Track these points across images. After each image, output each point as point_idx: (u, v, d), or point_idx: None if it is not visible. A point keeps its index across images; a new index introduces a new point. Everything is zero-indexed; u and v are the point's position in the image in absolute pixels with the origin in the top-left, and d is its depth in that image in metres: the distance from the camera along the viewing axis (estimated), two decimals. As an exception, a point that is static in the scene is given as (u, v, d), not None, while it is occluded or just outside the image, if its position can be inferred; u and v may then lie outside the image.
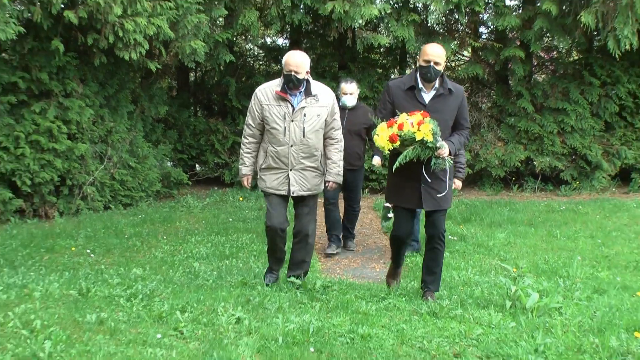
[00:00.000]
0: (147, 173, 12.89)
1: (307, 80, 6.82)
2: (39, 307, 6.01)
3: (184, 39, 11.72)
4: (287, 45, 16.32)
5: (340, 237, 9.73)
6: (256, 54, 16.74)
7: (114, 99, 12.31)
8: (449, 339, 5.46)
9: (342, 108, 8.94)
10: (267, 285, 7.03)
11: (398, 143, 6.10)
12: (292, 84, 6.70)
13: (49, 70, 11.14)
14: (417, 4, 15.43)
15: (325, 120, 6.89)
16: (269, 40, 16.67)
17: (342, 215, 9.85)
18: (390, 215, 8.38)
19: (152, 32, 10.91)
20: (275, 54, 16.33)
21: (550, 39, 16.08)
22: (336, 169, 7.05)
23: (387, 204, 8.55)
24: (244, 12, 12.85)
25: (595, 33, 14.71)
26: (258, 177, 7.11)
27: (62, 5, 10.25)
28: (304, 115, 6.75)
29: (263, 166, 7.00)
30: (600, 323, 5.77)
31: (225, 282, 7.20)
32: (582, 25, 13.53)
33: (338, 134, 7.04)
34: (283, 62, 6.84)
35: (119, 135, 12.32)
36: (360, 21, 13.49)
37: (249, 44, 16.34)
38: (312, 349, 5.12)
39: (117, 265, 8.15)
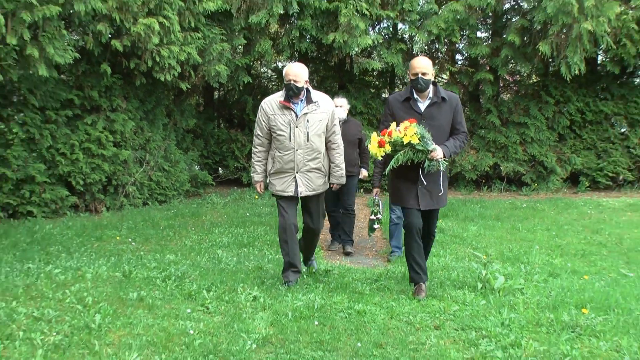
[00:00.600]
0: (179, 175, 12.85)
1: (307, 89, 6.40)
2: (90, 286, 6.01)
3: (209, 63, 11.70)
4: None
5: (340, 235, 9.20)
6: (269, 76, 16.69)
7: (152, 113, 12.29)
8: (430, 314, 5.45)
9: None
10: (288, 285, 6.36)
11: (388, 148, 5.63)
12: (292, 92, 6.24)
13: (99, 89, 11.15)
14: (404, 35, 15.43)
15: (326, 125, 6.43)
16: (280, 64, 16.61)
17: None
18: (376, 226, 8.31)
19: (183, 58, 10.92)
20: (285, 76, 16.31)
21: (514, 64, 16.04)
22: (339, 171, 6.61)
23: (372, 217, 8.28)
24: (259, 41, 12.83)
25: (551, 60, 14.69)
26: (268, 181, 6.69)
27: (110, 36, 10.24)
28: (307, 121, 6.30)
29: (272, 171, 6.54)
30: (554, 301, 5.75)
31: (243, 266, 7.18)
32: (540, 53, 13.56)
33: (338, 139, 6.57)
34: (283, 73, 6.40)
35: (156, 144, 12.30)
36: (356, 49, 13.48)
37: (264, 68, 16.30)
38: (316, 322, 5.11)
39: (153, 252, 8.12)
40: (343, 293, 5.92)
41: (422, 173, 5.86)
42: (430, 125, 5.75)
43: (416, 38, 15.20)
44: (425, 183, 5.92)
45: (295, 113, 6.31)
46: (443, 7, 14.45)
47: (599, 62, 15.87)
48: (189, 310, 5.32)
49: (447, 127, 6.00)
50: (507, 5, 14.95)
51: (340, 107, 8.78)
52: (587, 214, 12.01)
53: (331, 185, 6.72)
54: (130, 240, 9.00)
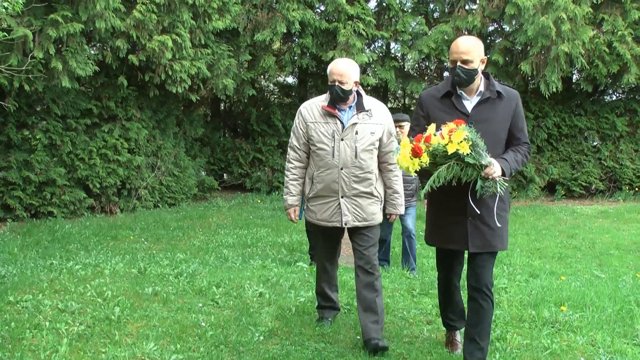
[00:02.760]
0: (187, 180, 12.87)
1: (358, 93, 4.67)
2: (109, 281, 6.03)
3: (218, 77, 11.75)
4: (296, 82, 16.33)
5: None
6: (272, 89, 16.73)
7: (163, 122, 12.32)
8: (422, 311, 5.48)
9: None
10: (325, 322, 4.97)
11: (426, 159, 3.66)
12: (337, 97, 4.52)
13: (115, 100, 11.19)
14: (397, 54, 15.49)
15: (380, 140, 4.64)
16: (281, 79, 16.65)
17: None
18: None
19: (194, 72, 10.97)
20: (286, 90, 16.35)
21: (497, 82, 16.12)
22: (398, 199, 4.84)
23: None
24: (264, 57, 12.89)
25: (530, 78, 14.75)
26: (305, 207, 4.97)
27: (127, 51, 10.28)
28: (356, 132, 4.54)
29: (310, 195, 4.75)
30: (535, 299, 5.80)
31: (249, 265, 7.20)
32: (521, 72, 13.66)
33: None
34: (327, 72, 4.67)
35: (166, 151, 12.32)
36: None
37: (267, 82, 16.34)
38: (318, 316, 5.16)
39: (165, 251, 8.15)
40: (342, 290, 5.94)
41: (473, 198, 3.84)
42: (479, 130, 3.68)
43: (408, 56, 15.30)
44: (478, 212, 3.86)
45: (342, 122, 4.59)
46: (433, 28, 14.50)
47: (574, 80, 15.97)
48: (200, 305, 5.35)
49: (502, 134, 3.96)
50: (490, 28, 15.03)
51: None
52: (563, 220, 12.07)
53: (388, 217, 4.94)
54: (143, 239, 9.03)
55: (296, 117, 4.76)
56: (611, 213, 12.85)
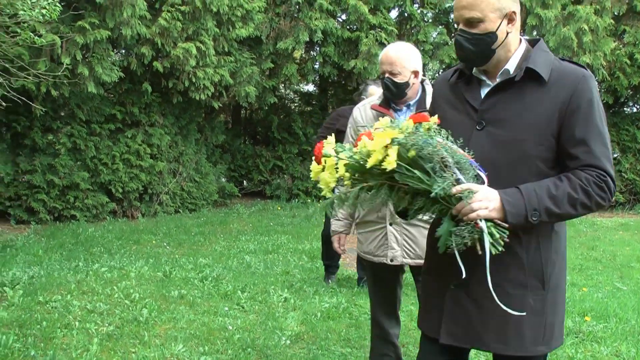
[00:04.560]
0: (208, 186, 12.96)
1: (422, 86, 3.61)
2: (135, 284, 6.13)
3: (240, 85, 11.86)
4: (317, 91, 16.43)
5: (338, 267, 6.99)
6: (293, 97, 16.83)
7: (185, 129, 12.44)
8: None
9: None
10: None
11: (344, 174, 2.17)
12: (389, 92, 3.51)
13: (139, 106, 11.33)
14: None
15: None
16: (302, 87, 16.74)
17: None
18: None
19: (216, 79, 11.09)
20: (307, 98, 16.42)
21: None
22: None
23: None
24: (286, 65, 12.98)
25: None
26: (356, 233, 3.86)
27: (151, 57, 10.42)
28: None
29: (358, 220, 3.76)
30: (558, 310, 5.83)
31: (272, 271, 7.27)
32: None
33: None
34: (379, 61, 3.64)
35: (188, 157, 12.44)
36: (375, 75, 13.62)
37: (287, 90, 16.45)
38: (343, 322, 5.22)
39: (187, 255, 8.23)
40: (366, 297, 6.00)
41: (458, 253, 2.13)
42: (490, 136, 2.27)
43: (429, 66, 15.36)
44: (463, 275, 2.15)
45: None
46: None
47: (595, 92, 15.95)
48: (226, 308, 5.44)
49: (531, 145, 2.22)
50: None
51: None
52: (583, 232, 12.04)
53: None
54: (165, 244, 9.13)
55: (349, 121, 3.87)
56: (632, 225, 12.81)
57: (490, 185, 2.14)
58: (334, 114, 6.49)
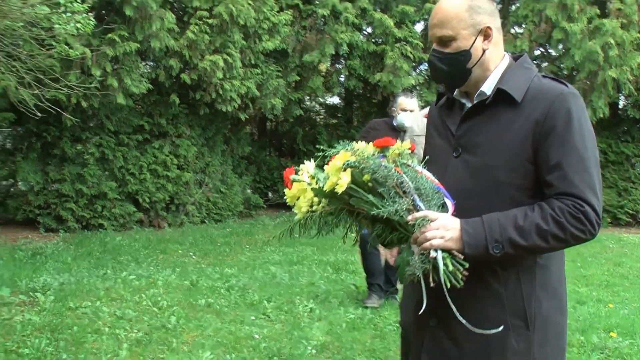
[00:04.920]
0: (233, 197, 13.08)
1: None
2: (162, 292, 6.24)
3: (266, 97, 11.99)
4: (342, 104, 16.53)
5: (382, 285, 6.39)
6: (317, 110, 16.96)
7: (212, 140, 12.59)
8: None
9: (399, 129, 5.87)
10: None
11: (311, 197, 2.10)
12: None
13: (167, 117, 11.51)
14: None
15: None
16: (328, 100, 16.85)
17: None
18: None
19: (243, 91, 11.23)
20: (332, 110, 16.53)
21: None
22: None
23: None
24: (312, 78, 13.11)
25: (579, 104, 14.72)
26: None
27: (179, 69, 10.59)
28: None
29: None
30: (583, 325, 5.82)
31: (297, 281, 7.32)
32: (568, 97, 13.64)
33: None
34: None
35: (214, 168, 12.58)
36: (400, 88, 13.70)
37: (313, 102, 16.57)
38: (368, 333, 5.27)
39: (213, 265, 8.32)
40: (390, 309, 6.05)
41: (427, 285, 1.96)
42: (464, 163, 2.12)
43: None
44: (423, 307, 2.00)
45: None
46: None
47: (620, 106, 15.86)
48: (252, 317, 5.52)
49: (503, 173, 2.02)
50: (537, 52, 15.06)
51: (410, 111, 6.00)
52: (610, 247, 11.96)
53: None
54: (191, 254, 9.23)
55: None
56: (659, 242, 12.71)
57: (462, 215, 1.99)
58: (367, 127, 6.50)
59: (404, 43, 13.34)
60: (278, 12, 11.60)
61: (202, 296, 6.15)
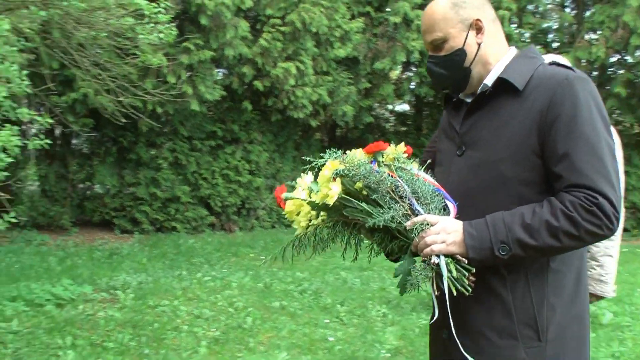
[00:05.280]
0: (302, 203, 13.23)
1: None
2: (237, 293, 6.39)
3: (337, 104, 12.09)
4: (412, 111, 16.51)
5: None
6: (387, 117, 16.97)
7: (283, 146, 12.77)
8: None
9: None
10: None
11: (308, 211, 2.02)
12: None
13: (239, 123, 11.75)
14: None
15: None
16: (398, 107, 16.85)
17: None
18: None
19: (315, 98, 11.35)
20: (402, 118, 16.52)
21: (618, 115, 15.74)
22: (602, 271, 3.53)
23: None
24: (382, 85, 13.15)
25: (655, 112, 14.36)
26: None
27: (252, 77, 10.79)
28: None
29: None
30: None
31: (368, 287, 7.39)
32: (645, 106, 13.34)
33: None
34: None
35: (285, 173, 12.75)
36: (470, 96, 13.62)
37: (382, 109, 16.59)
38: (441, 339, 5.29)
39: (285, 269, 8.45)
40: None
41: (441, 296, 1.79)
42: (468, 161, 1.98)
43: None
44: (435, 316, 1.89)
45: None
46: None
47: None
48: (326, 321, 5.60)
49: (508, 167, 1.86)
50: (613, 59, 14.73)
51: None
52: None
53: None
54: (262, 257, 9.40)
55: None
56: None
57: (466, 216, 1.86)
58: (434, 136, 6.51)
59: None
60: (350, 19, 11.70)
61: (275, 299, 6.28)
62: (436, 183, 1.92)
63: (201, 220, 11.42)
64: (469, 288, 1.77)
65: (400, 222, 1.82)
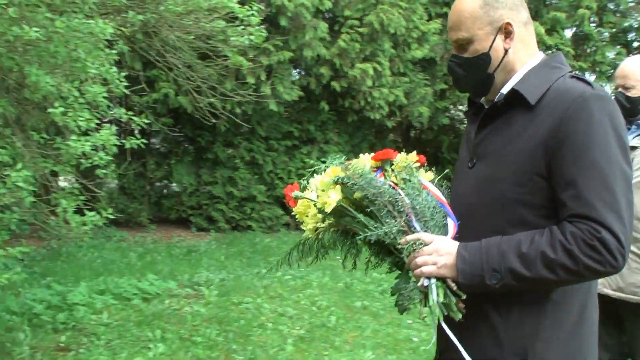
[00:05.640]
0: (377, 204, 13.25)
1: None
2: (318, 293, 6.47)
3: (413, 105, 12.06)
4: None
5: None
6: (461, 118, 16.82)
7: (358, 147, 12.80)
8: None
9: None
10: None
11: (315, 215, 1.96)
12: (621, 108, 2.05)
13: (315, 124, 11.87)
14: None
15: None
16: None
17: None
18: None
19: (391, 99, 11.36)
20: (476, 120, 16.38)
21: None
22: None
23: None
24: (458, 87, 13.06)
25: None
26: None
27: (329, 77, 10.88)
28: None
29: None
30: None
31: (446, 289, 7.37)
32: None
33: None
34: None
35: (359, 174, 12.81)
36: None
37: (456, 111, 16.46)
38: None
39: (360, 270, 8.50)
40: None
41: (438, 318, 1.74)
42: (476, 175, 1.86)
43: (606, 88, 14.88)
44: (432, 341, 1.95)
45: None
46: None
47: None
48: (409, 321, 5.62)
49: (509, 188, 1.73)
50: None
51: None
52: None
53: None
54: (338, 258, 9.43)
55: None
56: None
57: (466, 236, 1.77)
58: None
59: (555, 50, 13.02)
60: (427, 20, 11.67)
61: (357, 298, 6.33)
62: (442, 198, 1.84)
63: (276, 220, 11.57)
64: (460, 314, 1.69)
65: (394, 238, 1.75)
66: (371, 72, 10.81)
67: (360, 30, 10.76)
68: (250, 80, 9.94)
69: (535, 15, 13.45)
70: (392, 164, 1.91)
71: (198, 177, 11.38)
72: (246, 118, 11.15)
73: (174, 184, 11.96)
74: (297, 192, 1.98)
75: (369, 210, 1.77)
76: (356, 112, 11.69)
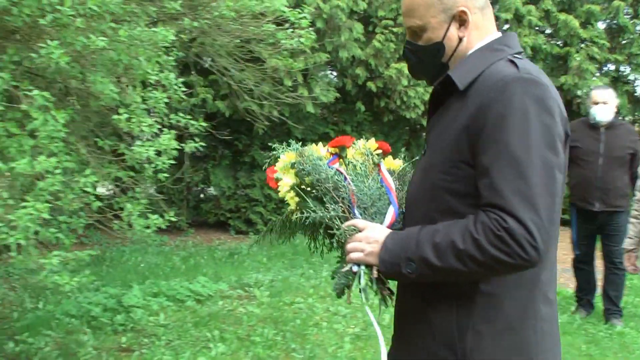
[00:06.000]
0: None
1: None
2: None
3: (448, 103, 12.10)
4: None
5: (592, 302, 6.20)
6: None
7: (393, 146, 12.72)
8: None
9: (593, 126, 5.90)
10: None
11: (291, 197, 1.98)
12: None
13: (351, 124, 11.95)
14: (629, 78, 14.92)
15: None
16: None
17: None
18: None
19: (426, 98, 11.40)
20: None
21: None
22: None
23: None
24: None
25: None
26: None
27: (365, 78, 10.95)
28: None
29: None
30: None
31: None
32: None
33: None
34: None
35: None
36: (584, 90, 13.30)
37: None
38: (580, 338, 5.26)
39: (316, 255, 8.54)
40: (598, 316, 5.96)
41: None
42: (422, 163, 1.86)
43: (638, 82, 14.73)
44: (374, 320, 1.94)
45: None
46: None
47: None
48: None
49: (438, 176, 1.72)
50: None
51: (603, 103, 5.89)
52: None
53: None
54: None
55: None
56: None
57: (406, 225, 1.79)
58: None
59: (590, 44, 12.96)
60: (461, 18, 11.70)
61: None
62: (392, 186, 1.87)
63: (315, 222, 11.66)
64: (386, 302, 1.79)
65: (334, 223, 1.80)
66: (406, 71, 10.84)
67: (395, 30, 10.82)
68: (287, 82, 10.04)
69: (569, 8, 13.40)
70: (346, 151, 1.97)
71: (236, 180, 11.49)
72: (282, 120, 11.26)
73: (211, 188, 12.09)
74: (278, 174, 2.03)
75: (315, 195, 1.84)
76: (392, 111, 11.73)
